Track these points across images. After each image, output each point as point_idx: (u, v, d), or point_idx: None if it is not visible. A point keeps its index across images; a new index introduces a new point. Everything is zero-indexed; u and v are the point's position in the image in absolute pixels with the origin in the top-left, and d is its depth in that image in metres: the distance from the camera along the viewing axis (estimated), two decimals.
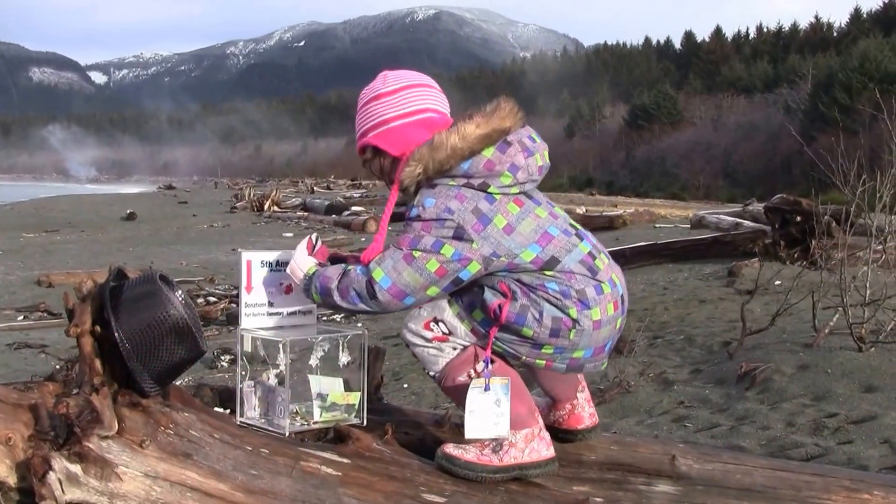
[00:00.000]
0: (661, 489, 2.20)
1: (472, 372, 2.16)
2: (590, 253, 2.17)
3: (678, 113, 64.29)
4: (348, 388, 2.36)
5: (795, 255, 9.05)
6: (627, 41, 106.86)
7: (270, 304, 2.38)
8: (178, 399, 2.21)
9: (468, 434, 2.14)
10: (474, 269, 2.09)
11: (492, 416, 2.13)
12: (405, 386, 5.84)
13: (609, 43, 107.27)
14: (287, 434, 2.23)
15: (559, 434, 2.36)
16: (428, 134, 2.15)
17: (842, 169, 6.04)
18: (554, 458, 2.20)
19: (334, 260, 2.32)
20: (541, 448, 2.18)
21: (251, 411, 2.32)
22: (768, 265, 8.02)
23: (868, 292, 5.34)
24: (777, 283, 7.82)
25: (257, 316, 2.37)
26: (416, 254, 2.08)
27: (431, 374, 2.23)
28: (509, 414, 2.15)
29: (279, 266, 2.39)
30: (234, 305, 9.96)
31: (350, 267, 2.17)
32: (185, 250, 17.97)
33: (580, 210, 23.38)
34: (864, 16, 69.70)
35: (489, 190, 2.11)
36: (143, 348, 2.09)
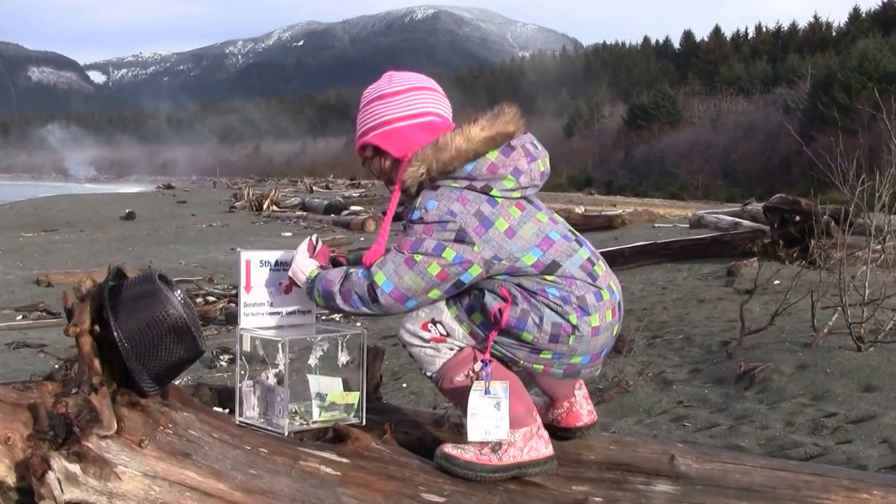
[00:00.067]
0: (660, 489, 2.21)
1: (470, 372, 2.16)
2: (589, 259, 2.18)
3: (677, 112, 64.24)
4: (347, 387, 2.36)
5: (794, 255, 9.05)
6: (626, 41, 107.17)
7: (269, 304, 2.38)
8: (177, 398, 2.21)
9: (471, 437, 2.14)
10: (476, 272, 2.09)
11: (493, 420, 2.14)
12: (404, 385, 5.84)
13: (608, 42, 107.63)
14: (286, 434, 2.23)
15: (558, 432, 2.36)
16: (430, 137, 2.16)
17: (841, 168, 6.04)
18: (553, 457, 2.20)
19: (336, 262, 2.32)
20: (539, 446, 2.18)
21: (250, 411, 2.31)
22: (767, 265, 8.02)
23: (867, 292, 5.35)
24: (776, 282, 7.81)
25: (256, 315, 2.36)
26: (418, 257, 2.08)
27: (428, 374, 2.23)
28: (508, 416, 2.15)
29: (278, 266, 2.38)
30: (233, 305, 9.96)
31: (352, 270, 2.17)
32: (183, 250, 17.97)
33: (579, 210, 23.25)
34: (863, 15, 69.68)
35: (491, 193, 2.12)
36: (142, 348, 2.09)
